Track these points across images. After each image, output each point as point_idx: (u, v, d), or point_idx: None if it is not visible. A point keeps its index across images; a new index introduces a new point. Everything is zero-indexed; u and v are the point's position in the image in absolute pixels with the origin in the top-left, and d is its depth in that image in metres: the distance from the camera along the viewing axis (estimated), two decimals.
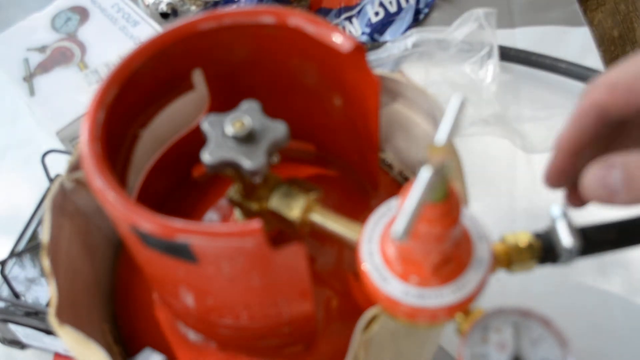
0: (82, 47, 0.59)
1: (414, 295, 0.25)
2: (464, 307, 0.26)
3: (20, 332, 0.47)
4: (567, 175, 0.30)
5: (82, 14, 0.61)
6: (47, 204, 0.32)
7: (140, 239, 0.26)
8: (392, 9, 0.68)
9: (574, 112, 0.28)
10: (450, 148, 0.26)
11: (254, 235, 0.24)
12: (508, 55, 0.60)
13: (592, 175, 0.25)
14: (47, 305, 0.45)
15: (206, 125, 0.29)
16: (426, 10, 0.69)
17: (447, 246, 0.25)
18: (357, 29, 0.67)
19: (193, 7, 0.66)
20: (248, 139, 0.29)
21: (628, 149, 0.26)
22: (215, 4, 0.66)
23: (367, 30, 0.67)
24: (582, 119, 0.27)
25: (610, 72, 0.27)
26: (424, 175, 0.22)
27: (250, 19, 0.31)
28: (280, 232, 0.33)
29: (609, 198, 0.25)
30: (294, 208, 0.31)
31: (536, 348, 0.25)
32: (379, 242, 0.26)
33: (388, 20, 0.68)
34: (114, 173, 0.27)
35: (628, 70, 0.26)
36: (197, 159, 0.29)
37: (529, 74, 0.62)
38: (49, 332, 0.45)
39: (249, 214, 0.32)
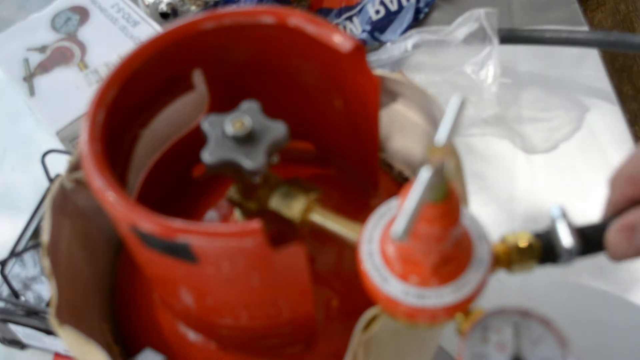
0: (82, 47, 0.59)
1: (414, 295, 0.25)
2: (464, 307, 0.26)
3: (20, 332, 0.47)
4: None
5: (82, 14, 0.61)
6: (47, 204, 0.32)
7: (140, 239, 0.26)
8: (393, 7, 0.68)
9: (608, 202, 0.29)
10: (450, 148, 0.26)
11: (254, 235, 0.24)
12: (509, 37, 0.60)
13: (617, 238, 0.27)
14: (48, 305, 0.45)
15: (206, 125, 0.29)
16: (426, 9, 0.69)
17: (447, 246, 0.25)
18: (357, 27, 0.67)
19: (193, 7, 0.66)
20: (248, 139, 0.29)
21: None
22: (215, 4, 0.66)
23: (368, 27, 0.67)
24: (616, 208, 0.29)
25: (626, 165, 0.29)
26: (424, 175, 0.22)
27: (250, 19, 0.31)
28: (280, 232, 0.33)
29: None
30: (294, 208, 0.31)
31: (536, 348, 0.25)
32: (379, 242, 0.26)
33: (389, 18, 0.68)
34: (114, 173, 0.27)
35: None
36: (197, 159, 0.29)
37: (529, 75, 0.62)
38: (49, 332, 0.45)
39: (249, 214, 0.32)
